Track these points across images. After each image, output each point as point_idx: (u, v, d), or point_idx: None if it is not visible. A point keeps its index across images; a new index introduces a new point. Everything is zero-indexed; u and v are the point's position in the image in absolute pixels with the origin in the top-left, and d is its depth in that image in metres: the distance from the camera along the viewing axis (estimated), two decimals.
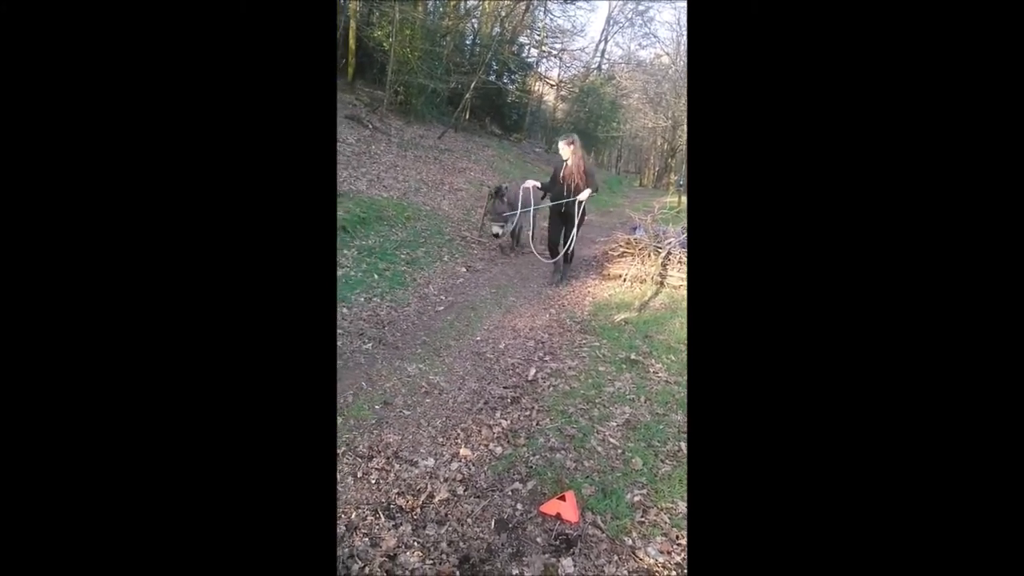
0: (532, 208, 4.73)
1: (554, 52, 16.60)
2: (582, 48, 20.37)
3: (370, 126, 8.45)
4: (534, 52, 16.11)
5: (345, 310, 3.29)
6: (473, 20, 12.98)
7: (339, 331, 3.04)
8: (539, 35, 15.73)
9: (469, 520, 1.55)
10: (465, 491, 1.70)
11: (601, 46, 19.97)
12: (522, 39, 14.81)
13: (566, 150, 4.08)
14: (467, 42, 13.37)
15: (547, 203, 4.30)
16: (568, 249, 4.29)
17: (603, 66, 20.01)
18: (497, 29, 12.99)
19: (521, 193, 4.64)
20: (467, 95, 11.10)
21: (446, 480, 1.75)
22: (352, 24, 9.90)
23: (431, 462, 1.85)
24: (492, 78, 13.35)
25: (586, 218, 4.36)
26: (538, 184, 4.29)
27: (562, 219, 4.26)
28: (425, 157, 8.52)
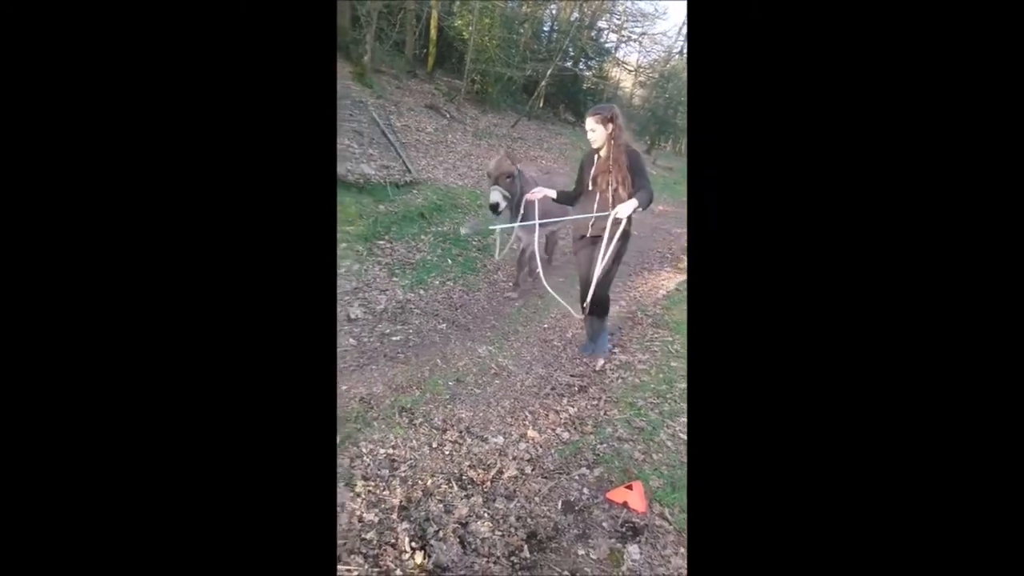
0: (536, 223, 2.97)
1: (634, 36, 16.04)
2: (664, 32, 19.51)
3: (447, 115, 8.67)
4: (613, 37, 15.67)
5: (422, 292, 3.45)
6: (552, 6, 12.84)
7: (416, 311, 3.20)
8: (619, 19, 15.26)
9: (537, 498, 1.60)
10: (532, 471, 1.75)
11: (684, 29, 19.02)
12: (601, 24, 14.44)
13: (598, 132, 2.27)
14: (544, 29, 13.26)
15: (574, 216, 2.55)
16: (592, 297, 2.49)
17: (685, 50, 19.07)
18: (576, 15, 12.76)
19: (524, 204, 2.91)
20: (542, 82, 11.05)
21: (515, 458, 1.81)
22: (434, 15, 10.15)
23: (500, 440, 1.92)
24: (568, 64, 13.17)
25: (628, 239, 2.39)
26: (551, 194, 2.50)
27: (587, 249, 2.50)
28: (499, 145, 8.61)
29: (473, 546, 1.38)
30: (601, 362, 2.69)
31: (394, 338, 2.86)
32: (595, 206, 2.38)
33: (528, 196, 2.56)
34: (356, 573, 1.26)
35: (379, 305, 3.18)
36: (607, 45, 15.27)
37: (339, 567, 1.27)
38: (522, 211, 2.96)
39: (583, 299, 2.60)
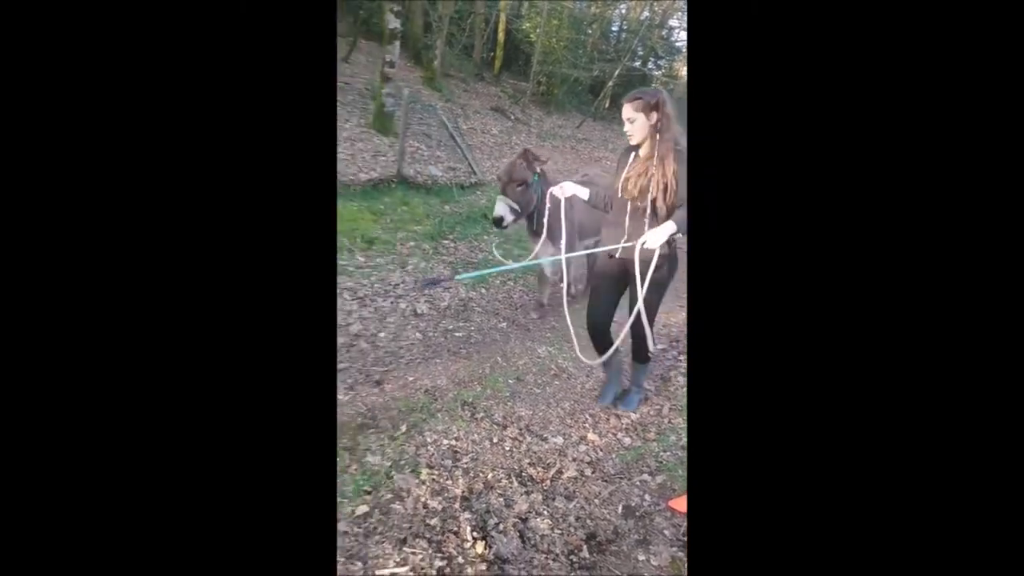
0: (562, 237, 2.24)
1: None
2: None
3: (512, 117, 8.77)
4: (684, 36, 15.17)
5: (484, 290, 3.52)
6: (622, 6, 12.64)
7: (478, 309, 3.27)
8: None
9: (596, 501, 1.60)
10: (592, 473, 1.74)
11: None
12: (672, 22, 14.03)
13: (637, 123, 1.71)
14: (613, 29, 13.07)
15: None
16: (623, 341, 1.86)
17: None
18: (646, 13, 12.48)
19: (549, 202, 2.15)
20: (609, 83, 10.90)
21: (574, 460, 1.81)
22: (502, 18, 10.31)
23: (560, 440, 1.93)
24: (637, 64, 12.90)
25: (675, 265, 1.85)
26: (582, 193, 1.93)
27: (611, 275, 1.91)
28: (562, 147, 8.61)
29: (532, 541, 1.39)
30: (632, 416, 2.14)
31: (457, 334, 2.94)
32: (626, 219, 1.77)
33: (552, 190, 1.96)
34: (420, 556, 1.32)
35: (443, 302, 3.28)
36: (678, 44, 14.81)
37: (405, 549, 1.33)
38: (545, 219, 2.13)
39: (598, 337, 1.96)
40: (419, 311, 3.10)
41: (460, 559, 1.32)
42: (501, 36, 10.39)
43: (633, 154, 1.82)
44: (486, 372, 2.43)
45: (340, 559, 1.29)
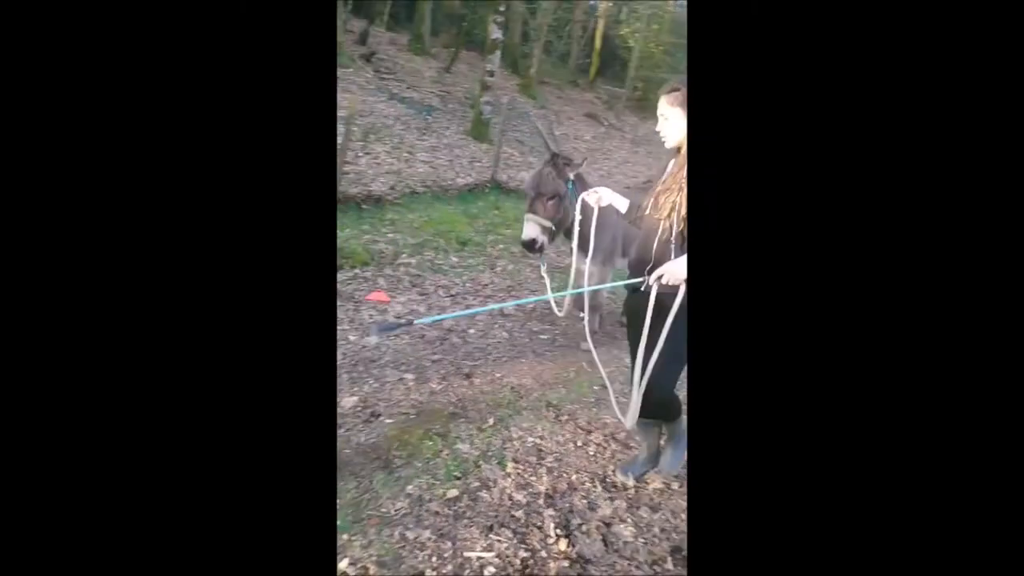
0: (588, 254, 1.77)
1: None
2: None
3: (605, 123, 8.71)
4: None
5: (571, 298, 3.54)
6: None
7: (562, 313, 3.30)
8: None
9: (683, 515, 1.55)
10: (680, 487, 1.70)
11: None
12: None
13: (672, 120, 1.35)
14: None
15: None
16: (644, 393, 1.46)
17: None
18: None
19: (579, 211, 1.73)
20: None
21: (660, 472, 1.77)
22: (600, 24, 10.27)
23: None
24: None
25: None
26: (619, 203, 1.58)
27: (638, 310, 1.43)
28: (656, 152, 8.37)
29: (615, 547, 1.39)
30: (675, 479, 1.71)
31: (542, 336, 2.99)
32: (654, 243, 1.39)
33: (585, 195, 1.59)
34: (505, 545, 1.37)
35: (529, 304, 3.34)
36: None
37: (491, 536, 1.39)
38: (576, 229, 1.77)
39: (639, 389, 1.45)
40: (506, 311, 3.20)
41: (543, 553, 1.36)
42: (598, 43, 10.35)
43: (672, 161, 1.42)
44: (571, 376, 2.45)
45: (431, 537, 1.39)
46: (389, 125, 5.87)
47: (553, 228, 2.23)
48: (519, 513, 1.49)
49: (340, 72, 6.80)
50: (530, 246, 2.23)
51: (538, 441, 1.88)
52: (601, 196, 1.59)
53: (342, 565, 1.28)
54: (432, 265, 3.77)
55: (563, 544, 1.38)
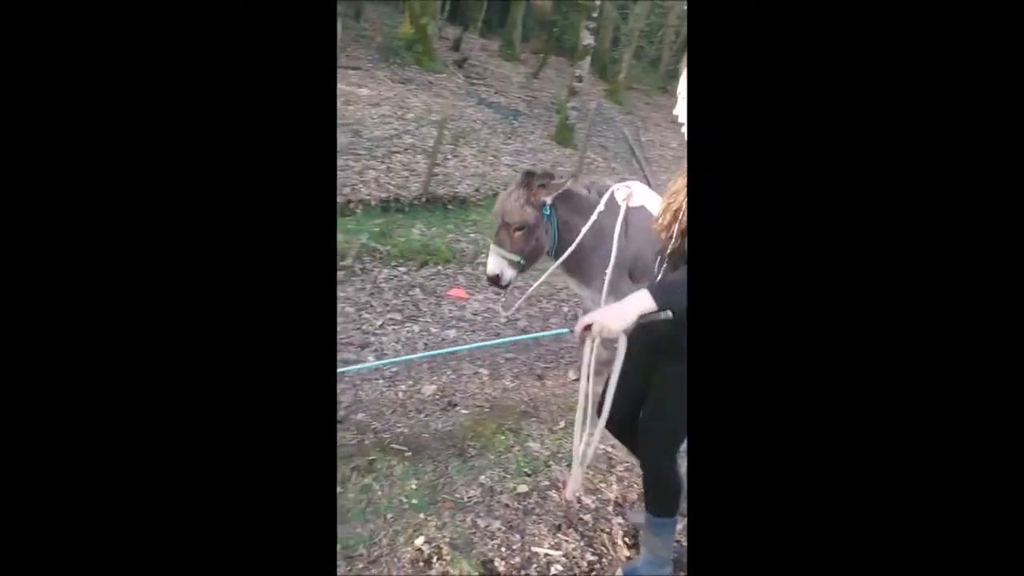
0: (607, 270, 1.63)
1: None
2: None
3: None
4: None
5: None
6: None
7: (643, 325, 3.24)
8: None
9: None
10: None
11: None
12: None
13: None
14: None
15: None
16: (644, 477, 1.25)
17: None
18: None
19: (598, 214, 1.72)
20: None
21: None
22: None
23: None
24: None
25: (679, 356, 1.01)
26: (651, 202, 1.51)
27: (644, 352, 1.15)
28: None
29: (682, 563, 1.36)
30: None
31: (615, 345, 2.95)
32: (656, 262, 1.16)
33: (616, 189, 1.32)
34: (572, 546, 1.39)
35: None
36: None
37: (559, 535, 1.42)
38: (622, 238, 1.52)
39: (625, 442, 1.31)
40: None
41: (609, 559, 1.36)
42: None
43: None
44: None
45: (501, 528, 1.44)
46: (476, 129, 6.07)
47: (522, 262, 1.83)
48: (587, 517, 1.50)
49: (433, 78, 7.15)
50: (495, 282, 1.87)
51: (609, 449, 1.87)
52: (633, 192, 1.34)
53: (418, 542, 1.36)
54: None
55: (630, 553, 1.37)
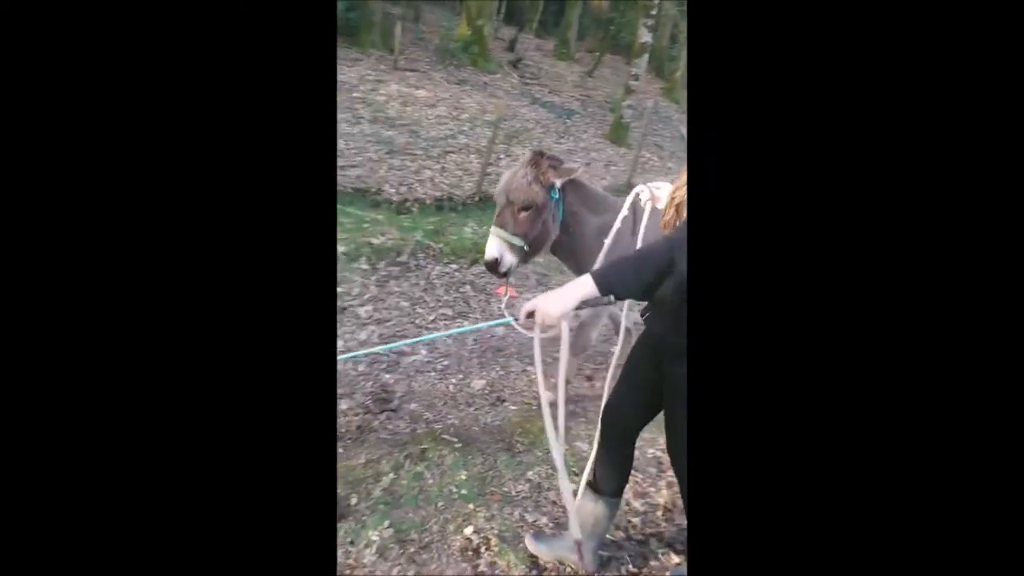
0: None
1: None
2: None
3: None
4: None
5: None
6: None
7: None
8: None
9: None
10: None
11: None
12: None
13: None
14: None
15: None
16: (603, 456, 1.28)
17: None
18: None
19: (628, 208, 1.65)
20: None
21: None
22: None
23: None
24: None
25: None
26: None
27: (643, 359, 1.24)
28: None
29: None
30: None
31: None
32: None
33: (639, 189, 1.29)
34: (620, 547, 1.38)
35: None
36: None
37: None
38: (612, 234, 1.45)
39: (612, 452, 1.28)
40: (627, 326, 3.15)
41: (657, 562, 1.34)
42: None
43: None
44: None
45: (549, 524, 1.45)
46: (530, 129, 6.10)
47: (525, 248, 1.65)
48: (636, 520, 1.48)
49: (488, 78, 7.24)
50: (493, 267, 1.67)
51: (658, 454, 1.84)
52: (660, 195, 1.26)
53: (467, 531, 1.40)
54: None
55: (679, 560, 1.35)
